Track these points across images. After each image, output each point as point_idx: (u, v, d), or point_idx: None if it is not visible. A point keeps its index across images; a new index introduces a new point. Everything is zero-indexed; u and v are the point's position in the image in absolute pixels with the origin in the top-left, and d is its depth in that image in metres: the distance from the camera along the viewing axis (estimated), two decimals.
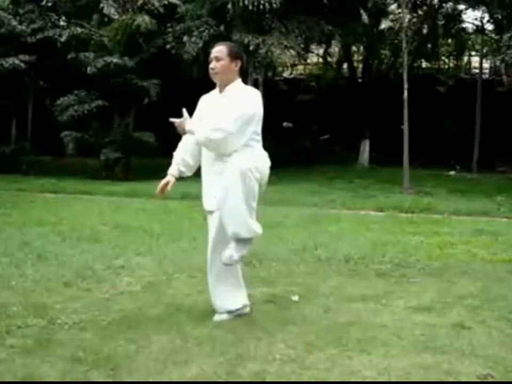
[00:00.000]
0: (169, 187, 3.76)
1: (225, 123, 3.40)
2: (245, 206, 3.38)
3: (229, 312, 3.69)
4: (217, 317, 3.68)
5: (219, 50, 3.63)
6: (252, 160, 3.46)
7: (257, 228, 3.50)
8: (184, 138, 3.79)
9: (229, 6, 14.31)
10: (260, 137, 3.63)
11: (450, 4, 19.36)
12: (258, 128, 3.60)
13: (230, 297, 3.70)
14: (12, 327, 3.43)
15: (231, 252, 3.46)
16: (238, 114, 3.43)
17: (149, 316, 3.73)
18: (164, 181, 3.77)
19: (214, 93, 3.74)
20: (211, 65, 3.62)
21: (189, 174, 3.90)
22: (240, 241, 3.45)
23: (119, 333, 3.37)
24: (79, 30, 15.95)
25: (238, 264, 3.64)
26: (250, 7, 14.21)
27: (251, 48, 14.58)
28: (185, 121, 3.58)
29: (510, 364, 3.00)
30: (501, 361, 3.03)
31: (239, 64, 3.64)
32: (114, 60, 15.00)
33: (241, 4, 14.12)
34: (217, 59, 3.60)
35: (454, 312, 3.92)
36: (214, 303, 3.73)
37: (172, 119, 3.63)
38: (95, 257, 5.44)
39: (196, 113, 3.78)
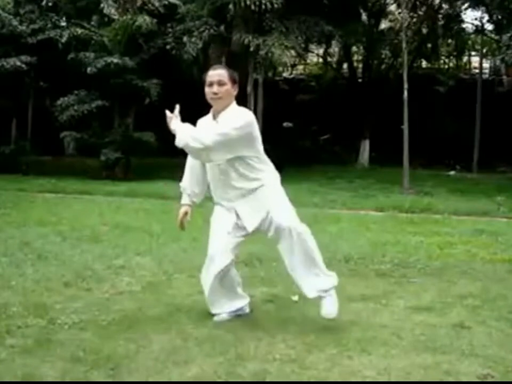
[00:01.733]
0: (188, 217, 3.81)
1: (206, 137, 3.37)
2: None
3: (230, 312, 3.72)
4: (217, 317, 3.69)
5: (221, 74, 3.55)
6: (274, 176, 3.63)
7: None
8: (188, 164, 3.83)
9: (231, 6, 14.29)
10: (262, 156, 3.63)
11: (450, 4, 19.35)
12: (257, 148, 3.58)
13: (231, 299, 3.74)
14: (12, 327, 3.43)
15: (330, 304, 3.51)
16: (221, 131, 3.39)
17: (149, 316, 3.73)
18: (182, 213, 3.78)
19: (208, 119, 3.66)
20: (214, 90, 3.51)
21: (200, 200, 3.93)
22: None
23: (119, 333, 3.38)
24: (79, 30, 15.95)
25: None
26: (252, 7, 14.20)
27: (251, 48, 14.57)
28: (173, 119, 3.52)
29: (510, 363, 3.01)
30: (501, 361, 3.03)
31: (237, 89, 3.63)
32: (115, 60, 14.99)
33: (242, 3, 14.11)
34: (221, 83, 3.52)
35: (454, 312, 3.92)
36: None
37: (166, 111, 3.58)
38: (95, 257, 5.44)
39: None
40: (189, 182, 3.81)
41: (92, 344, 3.19)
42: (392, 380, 2.83)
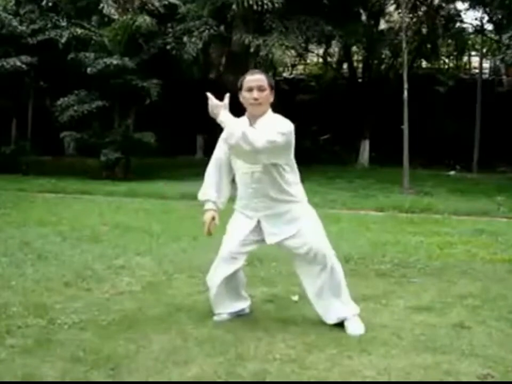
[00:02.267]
0: (217, 221, 3.65)
1: (258, 139, 3.24)
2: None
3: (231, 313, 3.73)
4: (217, 317, 3.69)
5: (261, 79, 3.49)
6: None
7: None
8: (211, 171, 3.69)
9: (234, 6, 14.27)
10: (294, 167, 3.61)
11: (450, 4, 19.36)
12: (291, 157, 3.56)
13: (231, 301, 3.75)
14: (12, 327, 3.43)
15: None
16: (271, 137, 3.28)
17: (149, 315, 3.73)
18: (209, 218, 3.61)
19: (243, 123, 3.48)
20: (255, 95, 3.44)
21: (224, 206, 3.77)
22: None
23: (119, 333, 3.38)
24: (79, 30, 15.94)
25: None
26: (254, 7, 14.19)
27: (252, 49, 14.57)
28: (222, 108, 3.35)
29: (510, 363, 3.01)
30: (501, 361, 3.03)
31: (273, 95, 3.55)
32: (114, 62, 14.97)
33: (246, 3, 14.10)
34: (261, 89, 3.45)
35: (454, 312, 3.92)
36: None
37: (209, 94, 3.40)
38: (95, 257, 5.44)
39: (221, 144, 3.67)
40: (213, 189, 3.65)
41: (92, 344, 3.19)
42: (392, 379, 2.83)
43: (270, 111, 3.54)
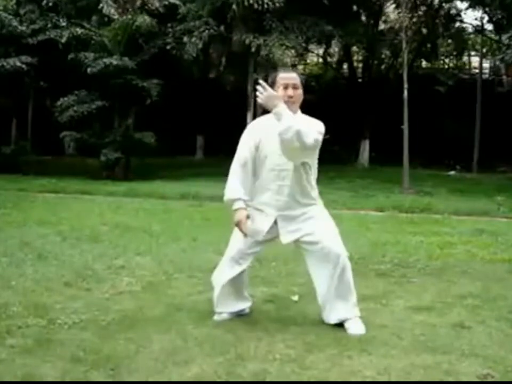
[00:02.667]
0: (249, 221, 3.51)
1: (309, 137, 3.25)
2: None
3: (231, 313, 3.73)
4: (217, 316, 3.69)
5: (295, 77, 3.49)
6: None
7: None
8: (237, 169, 3.52)
9: (234, 6, 14.27)
10: (315, 168, 3.64)
11: (450, 4, 19.36)
12: (316, 157, 3.59)
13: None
14: (12, 327, 3.43)
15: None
16: (316, 136, 3.32)
17: (149, 316, 3.73)
18: (244, 217, 3.44)
19: (273, 122, 3.40)
20: (290, 93, 3.44)
21: None
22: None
23: (119, 333, 3.38)
24: (79, 30, 15.93)
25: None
26: (255, 6, 14.18)
27: (253, 49, 14.56)
28: (280, 100, 3.32)
29: (510, 363, 3.01)
30: (500, 361, 3.03)
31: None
32: (114, 62, 14.97)
33: (246, 2, 14.10)
34: (295, 87, 3.46)
35: (454, 312, 3.92)
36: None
37: (262, 82, 3.33)
38: (95, 257, 5.44)
39: (249, 139, 3.55)
40: (241, 187, 3.49)
41: (92, 344, 3.19)
42: (392, 379, 2.83)
43: (299, 111, 3.54)
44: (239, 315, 3.72)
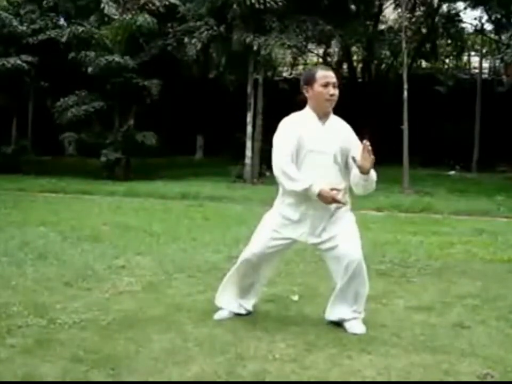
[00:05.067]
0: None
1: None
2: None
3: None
4: (217, 315, 3.69)
5: (335, 76, 3.47)
6: None
7: None
8: (291, 164, 3.41)
9: (235, 6, 14.27)
10: None
11: (449, 4, 19.37)
12: None
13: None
14: (12, 327, 3.43)
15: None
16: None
17: (149, 315, 3.73)
18: (331, 192, 3.34)
19: (311, 120, 3.46)
20: (332, 91, 3.42)
21: None
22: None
23: (119, 332, 3.38)
24: (79, 29, 15.93)
25: None
26: (256, 5, 14.18)
27: (254, 48, 14.55)
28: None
29: (510, 363, 3.01)
30: (500, 361, 3.04)
31: None
32: (116, 59, 14.96)
33: (247, 2, 14.10)
34: (335, 86, 3.44)
35: (454, 312, 3.92)
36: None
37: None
38: (95, 257, 5.44)
39: (291, 135, 3.44)
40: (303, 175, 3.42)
41: (92, 344, 3.19)
42: (392, 379, 2.83)
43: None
44: (238, 314, 3.72)
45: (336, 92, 3.45)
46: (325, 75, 3.46)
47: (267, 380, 2.81)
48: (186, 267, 5.11)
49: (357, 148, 3.44)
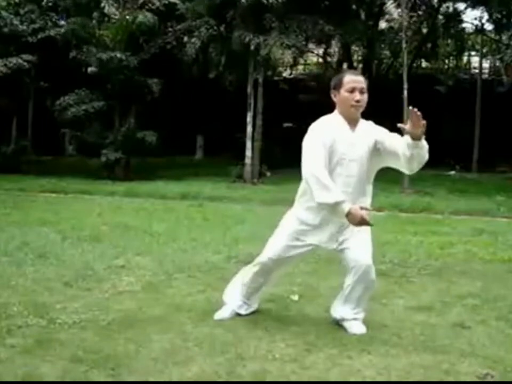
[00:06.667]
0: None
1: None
2: None
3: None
4: (217, 316, 3.69)
5: (362, 81, 3.37)
6: None
7: None
8: (324, 170, 3.28)
9: (243, 0, 14.26)
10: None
11: (449, 4, 19.38)
12: None
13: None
14: (12, 327, 3.43)
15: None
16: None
17: (149, 315, 3.74)
18: (362, 212, 3.21)
19: (340, 126, 3.39)
20: (357, 97, 3.33)
21: None
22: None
23: (119, 332, 3.38)
24: (79, 28, 15.92)
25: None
26: (264, 1, 14.18)
27: (252, 47, 14.56)
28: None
29: (510, 363, 3.01)
30: (500, 361, 3.04)
31: None
32: (118, 55, 14.95)
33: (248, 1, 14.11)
34: (362, 91, 3.35)
35: (454, 312, 3.93)
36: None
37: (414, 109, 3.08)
38: (95, 257, 5.44)
39: (323, 141, 3.33)
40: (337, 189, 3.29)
41: (92, 344, 3.19)
42: (392, 379, 2.83)
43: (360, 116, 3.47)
44: (239, 314, 3.72)
45: (363, 97, 3.34)
46: (352, 80, 3.36)
47: (267, 379, 2.81)
48: (186, 267, 5.11)
49: (389, 137, 3.41)
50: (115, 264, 5.20)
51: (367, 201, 3.50)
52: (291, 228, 3.54)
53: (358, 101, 3.33)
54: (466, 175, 17.11)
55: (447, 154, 19.21)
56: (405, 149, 3.20)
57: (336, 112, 3.48)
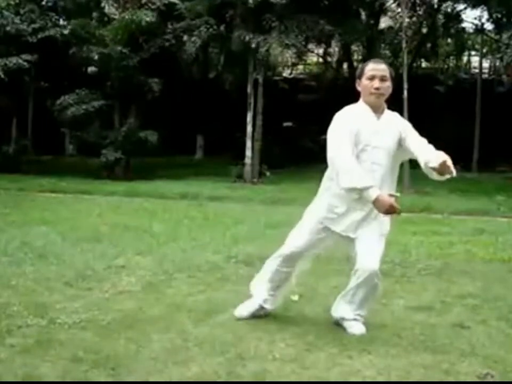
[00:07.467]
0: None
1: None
2: None
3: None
4: (237, 313, 3.69)
5: (385, 69, 3.35)
6: None
7: None
8: (352, 157, 3.27)
9: (240, 3, 14.29)
10: None
11: (449, 3, 19.38)
12: None
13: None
14: (12, 327, 3.43)
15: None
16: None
17: (149, 315, 3.73)
18: (390, 199, 3.18)
19: (366, 114, 3.39)
20: (376, 84, 3.31)
21: None
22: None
23: (119, 332, 3.38)
24: (79, 28, 15.91)
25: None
26: (258, 3, 14.19)
27: (253, 45, 14.55)
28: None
29: (510, 363, 3.01)
30: (500, 361, 3.04)
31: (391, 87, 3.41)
32: (118, 48, 14.95)
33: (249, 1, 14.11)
34: (384, 79, 3.32)
35: (454, 311, 3.93)
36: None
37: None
38: (95, 257, 5.44)
39: (349, 129, 3.34)
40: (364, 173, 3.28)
41: (92, 343, 3.19)
42: (392, 379, 2.83)
43: (385, 105, 3.45)
44: (262, 308, 3.72)
45: (383, 85, 3.32)
46: (372, 68, 3.36)
47: (267, 379, 2.81)
48: (186, 267, 5.11)
49: (411, 138, 3.44)
50: (115, 264, 5.19)
51: (392, 191, 3.44)
52: (319, 214, 3.50)
53: (377, 88, 3.33)
54: (466, 175, 17.10)
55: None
56: (422, 163, 3.32)
57: (360, 100, 3.49)
